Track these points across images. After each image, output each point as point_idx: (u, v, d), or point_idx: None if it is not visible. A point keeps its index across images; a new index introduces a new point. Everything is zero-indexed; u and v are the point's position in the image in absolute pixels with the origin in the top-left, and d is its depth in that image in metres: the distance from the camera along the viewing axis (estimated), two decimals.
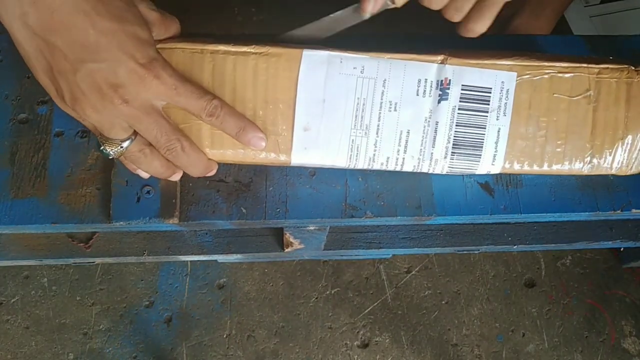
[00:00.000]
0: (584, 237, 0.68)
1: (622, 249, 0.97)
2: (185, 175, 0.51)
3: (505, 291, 0.98)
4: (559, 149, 0.49)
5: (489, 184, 0.53)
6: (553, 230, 0.68)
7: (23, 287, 0.95)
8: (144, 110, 0.42)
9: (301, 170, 0.52)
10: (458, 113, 0.48)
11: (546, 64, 0.48)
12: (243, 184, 0.51)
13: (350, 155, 0.49)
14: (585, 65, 0.49)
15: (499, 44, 0.57)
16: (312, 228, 0.56)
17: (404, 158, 0.49)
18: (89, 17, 0.38)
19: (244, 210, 0.51)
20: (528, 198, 0.52)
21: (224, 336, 0.94)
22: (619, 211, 0.52)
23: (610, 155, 0.50)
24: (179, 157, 0.45)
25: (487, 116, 0.48)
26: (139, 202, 0.49)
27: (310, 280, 0.97)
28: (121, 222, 0.49)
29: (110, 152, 0.44)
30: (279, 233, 0.65)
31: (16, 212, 0.50)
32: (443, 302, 0.97)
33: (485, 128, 0.48)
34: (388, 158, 0.49)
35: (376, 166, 0.49)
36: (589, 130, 0.49)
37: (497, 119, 0.48)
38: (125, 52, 0.39)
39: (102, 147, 0.44)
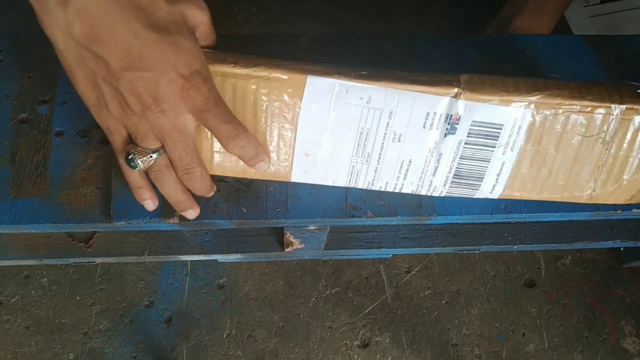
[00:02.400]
0: (584, 237, 0.68)
1: (622, 249, 0.97)
2: None
3: (505, 291, 0.97)
4: (561, 182, 0.48)
5: None
6: (553, 230, 0.68)
7: (23, 287, 0.95)
8: (177, 126, 0.42)
9: None
10: (464, 147, 0.47)
11: (566, 102, 0.45)
12: (243, 184, 0.51)
13: (350, 179, 0.49)
14: (608, 104, 0.45)
15: (500, 44, 0.57)
16: (312, 228, 0.56)
17: (402, 184, 0.49)
18: (132, 28, 0.38)
19: (244, 210, 0.51)
20: None
21: (224, 336, 0.94)
22: (619, 211, 0.52)
23: (611, 191, 0.49)
24: (194, 181, 0.46)
25: (493, 150, 0.47)
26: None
27: (310, 280, 0.97)
28: (122, 222, 0.49)
29: (139, 163, 0.44)
30: (279, 233, 0.65)
31: (17, 211, 0.50)
32: (443, 302, 0.97)
33: (489, 162, 0.47)
34: (387, 183, 0.49)
35: (374, 188, 0.49)
36: (595, 166, 0.48)
37: (503, 154, 0.47)
38: (168, 62, 0.39)
39: (130, 157, 0.44)
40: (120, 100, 0.41)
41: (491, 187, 0.49)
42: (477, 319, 0.96)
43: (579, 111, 0.45)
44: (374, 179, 0.49)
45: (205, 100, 0.41)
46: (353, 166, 0.48)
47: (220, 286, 0.96)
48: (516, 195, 0.49)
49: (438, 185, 0.49)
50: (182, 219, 0.50)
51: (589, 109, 0.45)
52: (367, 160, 0.48)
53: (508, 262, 0.99)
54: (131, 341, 0.93)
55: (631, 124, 0.46)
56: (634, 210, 0.52)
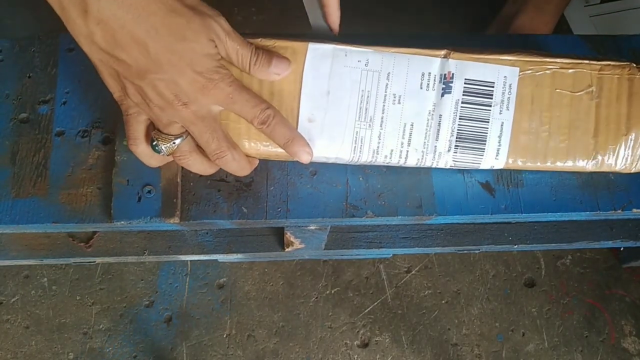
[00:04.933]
0: (584, 237, 0.68)
1: (622, 249, 0.97)
2: (185, 175, 0.51)
3: (505, 291, 0.98)
4: (562, 144, 0.49)
5: (489, 184, 0.53)
6: (553, 230, 0.68)
7: (23, 286, 0.95)
8: (200, 115, 0.44)
9: (302, 170, 0.52)
10: (461, 106, 0.48)
11: (548, 59, 0.49)
12: (244, 184, 0.51)
13: (354, 147, 0.49)
14: (586, 61, 0.49)
15: (501, 44, 0.57)
16: (313, 228, 0.56)
17: (407, 151, 0.49)
18: (149, 36, 0.40)
19: (245, 210, 0.51)
20: (529, 198, 0.52)
21: (224, 336, 0.94)
22: (619, 211, 0.52)
23: (614, 152, 0.50)
24: (228, 164, 0.47)
25: (490, 110, 0.49)
26: (140, 201, 0.49)
27: (310, 279, 0.97)
28: (122, 222, 0.49)
29: (163, 148, 0.46)
30: (279, 232, 0.65)
31: (17, 211, 0.50)
32: (443, 302, 0.97)
33: (488, 122, 0.49)
34: (392, 151, 0.49)
35: (380, 159, 0.49)
36: (592, 126, 0.49)
37: (500, 113, 0.49)
38: (185, 65, 0.41)
39: (154, 143, 0.46)
40: (142, 95, 0.43)
41: (495, 152, 0.49)
42: (477, 318, 0.96)
43: (561, 67, 0.49)
44: (378, 147, 0.49)
45: (229, 94, 0.44)
46: (357, 132, 0.49)
47: (220, 286, 0.96)
48: (521, 164, 0.50)
49: (442, 152, 0.49)
50: (183, 218, 0.50)
51: (570, 65, 0.49)
52: (370, 125, 0.49)
53: (508, 262, 0.99)
54: (131, 341, 0.93)
55: (612, 78, 0.49)
56: (635, 210, 0.53)
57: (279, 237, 0.66)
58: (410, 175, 0.52)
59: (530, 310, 0.96)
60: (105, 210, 0.50)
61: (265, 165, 0.52)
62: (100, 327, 0.93)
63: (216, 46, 0.43)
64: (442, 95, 0.48)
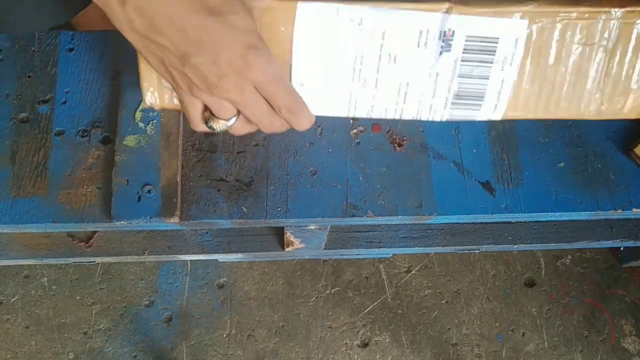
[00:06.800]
0: (584, 237, 0.68)
1: (622, 249, 0.97)
2: (185, 175, 0.51)
3: (505, 290, 0.98)
4: (565, 97, 0.47)
5: (489, 183, 0.52)
6: (553, 230, 0.68)
7: (23, 286, 0.95)
8: (245, 97, 0.44)
9: (302, 170, 0.52)
10: (460, 65, 0.46)
11: (562, 9, 0.44)
12: (244, 183, 0.51)
13: (349, 107, 0.48)
14: (607, 9, 0.44)
15: None
16: (312, 227, 0.56)
17: (402, 109, 0.48)
18: (187, 16, 0.40)
19: (244, 210, 0.51)
20: (529, 197, 0.52)
21: (224, 335, 0.94)
22: (619, 210, 0.52)
23: (621, 104, 0.47)
24: (282, 127, 0.47)
25: (491, 67, 0.46)
26: (140, 201, 0.49)
27: (310, 279, 0.97)
28: (122, 222, 0.49)
29: (217, 128, 0.46)
30: (279, 232, 0.65)
31: (17, 211, 0.50)
32: (443, 302, 0.97)
33: (488, 79, 0.46)
34: (387, 109, 0.48)
35: (375, 116, 0.48)
36: (600, 77, 0.46)
37: (502, 70, 0.46)
38: (224, 44, 0.41)
39: (209, 125, 0.46)
40: (188, 82, 0.43)
41: (493, 107, 0.47)
42: (477, 318, 0.96)
43: (576, 18, 0.44)
44: (373, 106, 0.48)
45: (265, 76, 0.43)
46: (351, 93, 0.47)
47: (220, 286, 0.96)
48: (520, 114, 0.48)
49: (438, 108, 0.47)
50: (183, 218, 0.50)
51: (587, 15, 0.44)
52: (364, 85, 0.47)
53: (508, 262, 0.99)
54: (131, 341, 0.93)
55: (634, 28, 0.44)
56: (635, 209, 0.53)
57: (279, 237, 0.65)
58: (410, 175, 0.52)
59: (530, 310, 0.96)
60: (105, 210, 0.50)
61: (265, 164, 0.52)
62: (100, 326, 0.93)
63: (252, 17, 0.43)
64: (441, 53, 0.45)
